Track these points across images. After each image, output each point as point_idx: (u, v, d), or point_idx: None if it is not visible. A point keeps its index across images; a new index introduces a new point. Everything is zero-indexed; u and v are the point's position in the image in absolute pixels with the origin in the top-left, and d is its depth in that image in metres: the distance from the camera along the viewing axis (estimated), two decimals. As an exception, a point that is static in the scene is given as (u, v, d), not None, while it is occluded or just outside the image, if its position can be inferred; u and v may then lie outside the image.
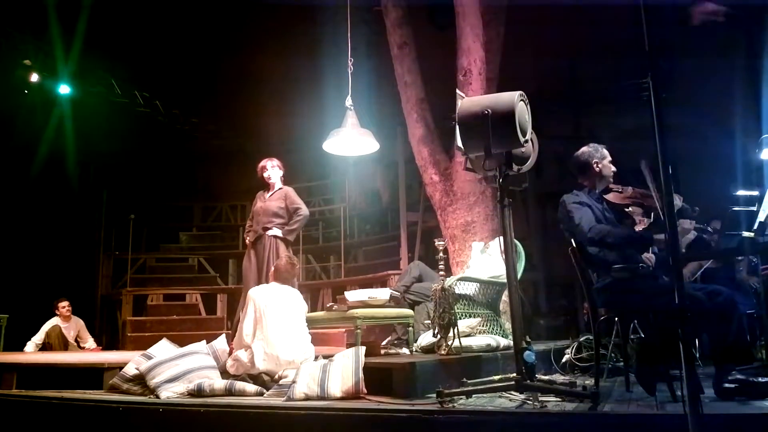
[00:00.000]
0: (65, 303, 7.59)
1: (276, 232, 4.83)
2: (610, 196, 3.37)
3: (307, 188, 10.91)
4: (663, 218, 2.40)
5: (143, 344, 5.60)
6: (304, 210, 5.05)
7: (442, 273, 4.25)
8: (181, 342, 4.32)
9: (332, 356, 3.61)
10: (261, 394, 3.61)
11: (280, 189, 5.16)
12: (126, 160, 10.12)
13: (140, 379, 3.80)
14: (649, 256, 3.38)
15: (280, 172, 5.20)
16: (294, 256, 4.43)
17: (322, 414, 2.98)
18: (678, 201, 3.37)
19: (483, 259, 5.16)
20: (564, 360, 4.47)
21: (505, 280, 3.49)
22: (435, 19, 8.16)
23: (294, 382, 3.43)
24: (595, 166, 3.47)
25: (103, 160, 9.91)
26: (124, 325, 8.17)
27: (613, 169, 3.50)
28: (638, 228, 3.26)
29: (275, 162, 5.19)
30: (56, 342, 7.26)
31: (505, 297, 4.96)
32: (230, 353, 4.06)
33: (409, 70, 6.25)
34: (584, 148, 3.53)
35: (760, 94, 6.87)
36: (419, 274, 5.15)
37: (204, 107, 11.05)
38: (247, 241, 5.10)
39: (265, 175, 5.15)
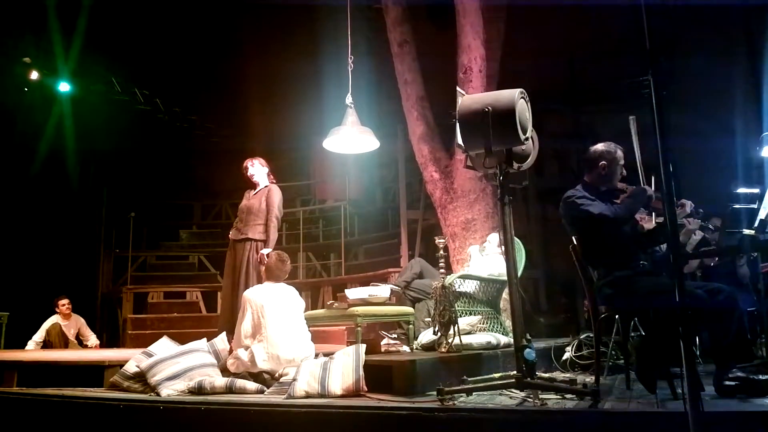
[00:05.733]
0: (65, 301, 7.58)
1: (266, 251, 4.73)
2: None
3: (307, 186, 10.92)
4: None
5: (144, 342, 5.60)
6: (272, 216, 4.88)
7: (442, 270, 4.25)
8: (181, 340, 4.32)
9: (333, 354, 3.61)
10: (262, 391, 3.61)
11: (264, 187, 5.08)
12: (126, 157, 10.11)
13: (141, 377, 3.80)
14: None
15: (264, 169, 5.11)
16: (283, 252, 4.40)
17: (322, 411, 2.99)
18: (688, 208, 3.37)
19: (482, 259, 5.16)
20: (564, 358, 4.47)
21: (506, 278, 3.49)
22: (435, 17, 8.15)
23: (294, 379, 3.43)
24: (602, 168, 3.39)
25: (103, 157, 9.90)
26: (124, 322, 8.18)
27: (623, 173, 3.41)
28: (648, 226, 3.25)
29: (256, 160, 5.10)
30: (56, 340, 7.25)
31: (505, 295, 4.97)
32: (230, 351, 4.06)
33: (409, 68, 6.25)
34: (600, 146, 3.43)
35: (761, 92, 6.87)
36: (420, 271, 5.16)
37: (204, 105, 11.04)
38: (230, 236, 5.07)
39: (249, 174, 5.10)
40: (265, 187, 5.08)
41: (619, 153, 3.42)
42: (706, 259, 4.86)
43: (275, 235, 4.86)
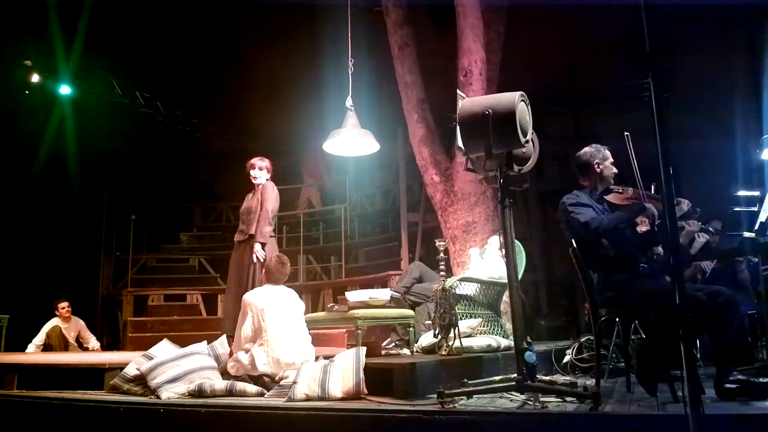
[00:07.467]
0: (65, 304, 7.58)
1: (257, 247, 4.74)
2: (610, 197, 3.37)
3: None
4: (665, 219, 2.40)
5: (144, 345, 5.60)
6: (264, 209, 4.82)
7: (442, 273, 4.24)
8: (181, 342, 4.32)
9: (333, 357, 3.61)
10: (262, 394, 3.61)
11: (261, 186, 5.04)
12: (127, 160, 10.11)
13: (141, 380, 3.80)
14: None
15: (268, 175, 5.09)
16: (283, 255, 4.39)
17: (322, 414, 2.98)
18: (685, 206, 3.38)
19: (482, 262, 5.16)
20: (565, 360, 4.47)
21: (506, 281, 3.49)
22: (435, 19, 8.16)
23: (295, 382, 3.43)
24: (596, 167, 3.45)
25: (104, 160, 9.91)
26: (124, 325, 8.18)
27: (615, 170, 3.47)
28: (640, 229, 3.26)
29: (265, 163, 5.06)
30: (57, 342, 7.26)
31: (505, 297, 4.96)
32: (231, 354, 4.06)
33: (409, 70, 6.25)
34: (586, 149, 3.51)
35: (761, 95, 6.87)
36: (420, 275, 5.15)
37: (205, 108, 11.06)
38: (234, 239, 5.06)
39: (252, 173, 5.04)
40: (262, 185, 5.06)
41: (607, 152, 3.48)
42: (704, 262, 4.86)
43: (266, 228, 4.80)
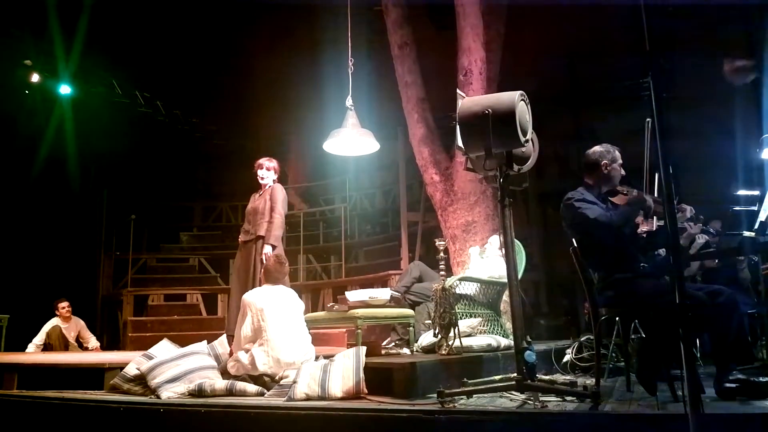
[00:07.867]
0: (65, 303, 7.58)
1: (267, 249, 4.72)
2: (616, 199, 3.35)
3: (307, 188, 10.93)
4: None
5: (144, 344, 5.60)
6: (277, 212, 4.81)
7: (442, 273, 4.24)
8: (181, 342, 4.32)
9: (333, 356, 3.61)
10: (262, 394, 3.61)
11: (269, 187, 5.02)
12: (127, 160, 10.12)
13: (141, 380, 3.80)
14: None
15: (275, 176, 5.07)
16: (282, 255, 4.38)
17: (322, 414, 2.98)
18: (688, 213, 3.38)
19: (482, 262, 5.16)
20: (565, 360, 4.47)
21: (506, 280, 3.49)
22: (435, 18, 8.16)
23: (295, 382, 3.43)
24: (603, 168, 3.41)
25: (103, 160, 9.91)
26: (124, 325, 8.18)
27: (622, 173, 3.43)
28: (642, 229, 3.25)
29: (273, 164, 5.03)
30: (57, 342, 7.26)
31: (505, 297, 4.97)
32: (231, 354, 4.06)
33: (409, 70, 6.25)
34: (597, 148, 3.46)
35: (761, 94, 6.87)
36: (419, 275, 5.15)
37: (205, 107, 11.07)
38: (239, 239, 5.04)
39: (260, 173, 5.02)
40: (269, 187, 5.04)
41: (617, 153, 3.44)
42: (707, 260, 4.86)
43: (278, 231, 4.78)
